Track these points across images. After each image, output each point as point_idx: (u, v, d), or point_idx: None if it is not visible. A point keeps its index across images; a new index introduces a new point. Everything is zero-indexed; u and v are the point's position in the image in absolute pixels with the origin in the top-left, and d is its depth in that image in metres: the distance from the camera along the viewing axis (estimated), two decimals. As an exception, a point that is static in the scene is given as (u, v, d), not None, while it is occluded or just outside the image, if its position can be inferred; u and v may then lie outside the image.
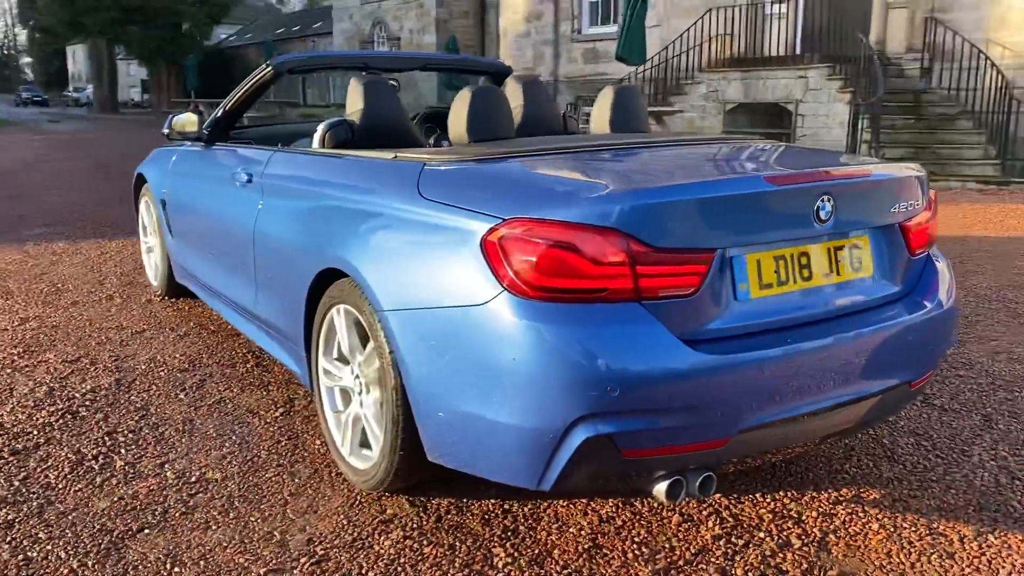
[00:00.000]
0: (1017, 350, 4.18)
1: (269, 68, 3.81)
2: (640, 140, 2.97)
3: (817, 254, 2.32)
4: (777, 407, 2.17)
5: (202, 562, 2.34)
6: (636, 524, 2.52)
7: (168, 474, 2.85)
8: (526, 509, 2.60)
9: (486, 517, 2.56)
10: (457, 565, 2.31)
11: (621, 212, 2.02)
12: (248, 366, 3.89)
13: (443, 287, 2.23)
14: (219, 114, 4.07)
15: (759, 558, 2.34)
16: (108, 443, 3.09)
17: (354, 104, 3.42)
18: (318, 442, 3.10)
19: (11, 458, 2.97)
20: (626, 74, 15.51)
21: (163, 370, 3.85)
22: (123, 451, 3.03)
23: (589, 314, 2.02)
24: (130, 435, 3.16)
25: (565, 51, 19.91)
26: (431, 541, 2.43)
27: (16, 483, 2.79)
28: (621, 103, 3.38)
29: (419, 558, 2.35)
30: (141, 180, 5.06)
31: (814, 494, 2.70)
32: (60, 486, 2.77)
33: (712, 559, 2.34)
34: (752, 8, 14.78)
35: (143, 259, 5.31)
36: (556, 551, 2.38)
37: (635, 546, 2.40)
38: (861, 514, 2.58)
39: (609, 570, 2.29)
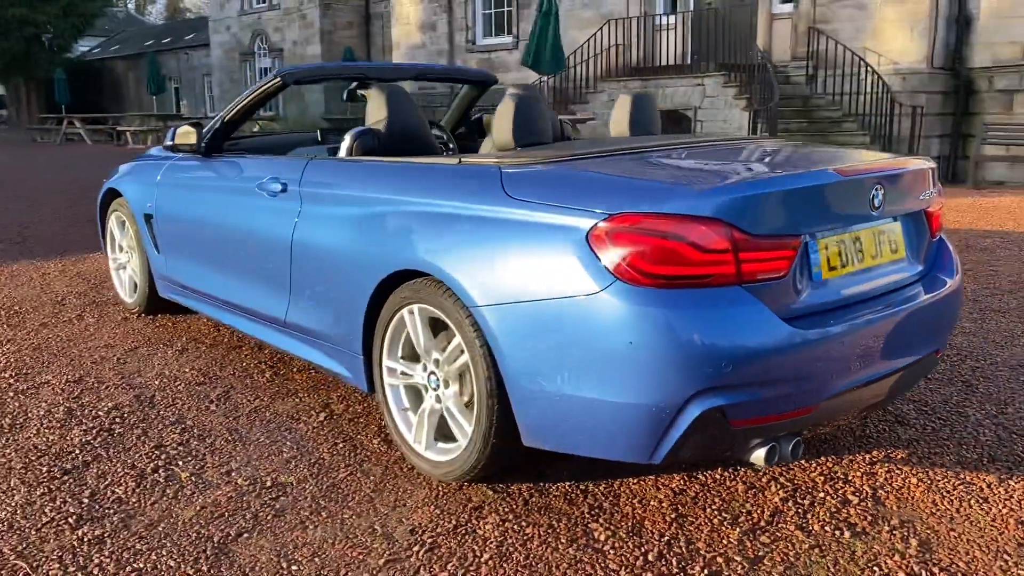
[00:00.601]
0: (966, 324, 4.65)
1: (278, 79, 3.85)
2: (688, 141, 3.21)
3: (867, 238, 2.61)
4: (852, 375, 2.43)
5: (316, 559, 2.40)
6: (707, 494, 2.73)
7: (239, 481, 2.87)
8: (601, 488, 2.78)
9: (568, 497, 2.72)
10: (563, 541, 2.46)
11: (723, 204, 2.24)
12: (266, 376, 3.90)
13: (544, 280, 2.38)
14: (218, 125, 4.06)
15: (827, 514, 2.60)
16: (162, 456, 3.07)
17: (377, 113, 3.52)
18: (375, 442, 3.17)
19: (65, 477, 2.92)
20: (531, 83, 15.84)
21: (179, 384, 3.81)
22: (181, 463, 3.02)
23: (700, 298, 2.23)
24: (180, 447, 3.14)
25: (460, 61, 20.11)
26: (529, 522, 2.57)
27: (85, 500, 2.75)
28: (639, 108, 3.61)
29: (525, 538, 2.49)
30: (111, 196, 4.94)
31: (851, 458, 2.99)
32: (133, 500, 2.75)
33: (788, 518, 2.58)
34: (645, 20, 15.42)
35: (112, 277, 5.16)
36: (647, 522, 2.57)
37: (716, 513, 2.62)
38: (897, 471, 2.88)
39: (701, 535, 2.49)
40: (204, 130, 4.06)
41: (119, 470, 2.97)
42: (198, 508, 2.70)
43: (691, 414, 2.23)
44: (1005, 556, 2.37)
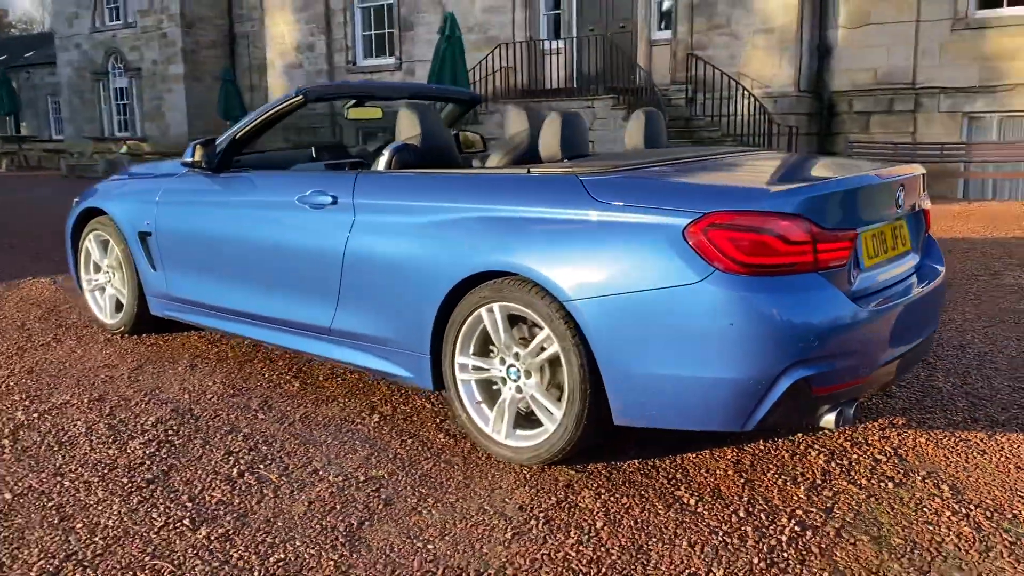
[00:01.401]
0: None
1: (299, 96, 3.97)
2: (718, 152, 3.59)
3: (888, 232, 3.07)
4: (889, 351, 2.87)
5: (445, 537, 2.60)
6: (761, 463, 3.10)
7: (331, 478, 3.01)
8: (667, 464, 3.10)
9: (643, 472, 3.02)
10: (660, 507, 2.76)
11: (803, 202, 2.62)
12: (295, 385, 3.99)
13: (639, 273, 2.69)
14: (228, 142, 4.12)
15: (867, 471, 3.02)
16: (240, 462, 3.15)
17: (410, 129, 3.73)
18: (440, 436, 3.37)
19: (152, 487, 2.96)
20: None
21: (211, 397, 3.84)
22: (262, 466, 3.11)
23: (787, 284, 2.60)
24: (252, 453, 3.23)
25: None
26: (622, 494, 2.86)
27: (188, 504, 2.82)
28: (651, 124, 3.97)
29: (624, 507, 2.77)
30: (88, 216, 4.85)
31: (864, 427, 3.44)
32: (236, 501, 2.84)
33: (836, 476, 2.98)
34: (532, 45, 16.00)
35: (87, 299, 5.03)
36: (722, 487, 2.91)
37: (776, 476, 2.99)
38: (905, 435, 3.35)
39: (773, 494, 2.85)
40: (215, 148, 4.11)
41: (203, 476, 3.03)
42: (306, 504, 2.82)
43: (783, 385, 2.59)
44: (1020, 494, 2.85)
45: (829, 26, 14.06)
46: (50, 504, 2.83)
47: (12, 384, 4.07)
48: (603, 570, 2.41)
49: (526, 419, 3.12)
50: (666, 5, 15.03)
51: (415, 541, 2.58)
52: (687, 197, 2.71)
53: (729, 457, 3.15)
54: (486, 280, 3.06)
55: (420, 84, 5.12)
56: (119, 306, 4.85)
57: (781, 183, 2.75)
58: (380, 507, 2.80)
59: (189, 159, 4.10)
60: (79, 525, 2.69)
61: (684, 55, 14.47)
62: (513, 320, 3.06)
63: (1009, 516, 2.69)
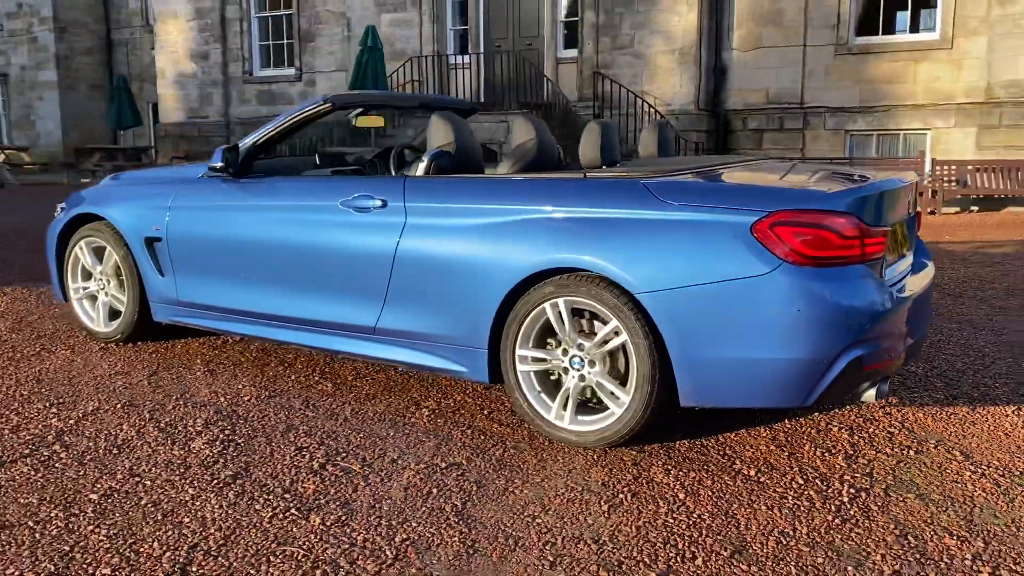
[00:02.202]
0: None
1: (327, 104, 4.08)
2: (746, 159, 3.93)
3: (898, 231, 3.48)
4: (908, 337, 3.27)
5: (548, 512, 2.80)
6: (794, 438, 3.45)
7: (415, 465, 3.15)
8: (712, 441, 3.40)
9: (697, 450, 3.31)
10: (726, 479, 3.06)
11: (852, 202, 2.99)
12: (328, 385, 4.07)
13: (708, 266, 2.99)
14: (249, 148, 4.17)
15: (886, 441, 3.42)
16: (315, 455, 3.24)
17: (444, 137, 3.91)
18: (495, 426, 3.56)
19: (240, 482, 3.02)
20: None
21: (249, 399, 3.88)
22: (339, 459, 3.22)
23: (843, 273, 2.95)
24: (322, 447, 3.32)
25: (237, 92, 19.69)
26: (687, 468, 3.14)
27: (284, 495, 2.91)
28: (661, 136, 4.29)
29: (697, 480, 3.05)
30: (78, 223, 4.75)
31: (866, 404, 3.85)
32: (332, 491, 2.95)
33: (863, 447, 3.37)
34: (439, 59, 16.23)
35: (75, 308, 4.90)
36: (771, 460, 3.23)
37: (813, 448, 3.34)
38: (909, 409, 3.78)
39: (817, 463, 3.20)
40: (238, 153, 4.15)
41: (286, 470, 3.11)
42: (402, 489, 2.96)
43: (841, 363, 2.94)
44: (1017, 454, 3.31)
45: (724, 48, 14.97)
46: (144, 503, 2.86)
47: (27, 392, 3.97)
48: (703, 533, 2.67)
49: (583, 405, 3.35)
50: (572, 25, 15.57)
51: (522, 516, 2.77)
52: (752, 197, 3.03)
53: (765, 435, 3.48)
54: (547, 277, 3.28)
55: (426, 95, 5.28)
56: (113, 314, 4.76)
57: (832, 186, 3.11)
58: (474, 489, 2.96)
59: (218, 164, 4.11)
60: (186, 519, 2.74)
61: (590, 73, 15.05)
62: (577, 312, 3.29)
63: (1017, 473, 3.13)
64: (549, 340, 3.41)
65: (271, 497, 2.90)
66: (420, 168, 3.86)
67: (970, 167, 13.27)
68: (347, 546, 2.58)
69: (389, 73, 15.67)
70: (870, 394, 3.11)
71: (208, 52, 19.89)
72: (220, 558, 2.51)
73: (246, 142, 4.22)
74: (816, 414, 3.71)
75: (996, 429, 3.57)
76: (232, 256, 4.13)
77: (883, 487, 3.01)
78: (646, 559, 2.52)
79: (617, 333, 3.17)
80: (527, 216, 3.36)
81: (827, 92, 14.35)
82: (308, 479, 3.04)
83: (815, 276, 2.91)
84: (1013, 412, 3.77)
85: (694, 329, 3.02)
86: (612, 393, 3.23)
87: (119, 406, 3.78)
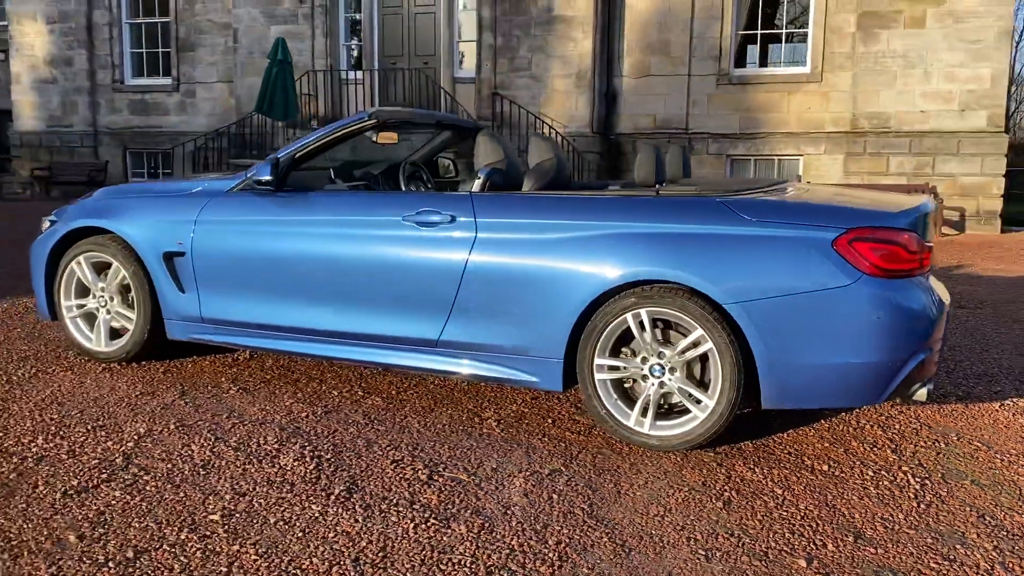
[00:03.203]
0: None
1: (373, 119, 4.09)
2: (778, 182, 4.20)
3: (927, 248, 3.89)
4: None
5: (673, 509, 2.98)
6: (839, 436, 3.78)
7: (519, 473, 3.24)
8: (771, 441, 3.68)
9: (761, 449, 3.57)
10: (806, 474, 3.33)
11: (913, 220, 3.35)
12: (376, 399, 4.06)
13: (792, 279, 3.27)
14: (289, 160, 4.11)
15: (915, 436, 3.81)
16: (417, 467, 3.27)
17: (495, 155, 4.03)
18: (567, 433, 3.68)
19: (359, 496, 3.01)
20: (208, 126, 15.53)
21: (306, 415, 3.82)
22: (441, 470, 3.26)
23: (910, 284, 3.30)
24: (416, 459, 3.35)
25: (106, 101, 18.64)
26: (766, 466, 3.39)
27: (413, 506, 2.94)
28: (684, 158, 4.54)
29: (783, 476, 3.31)
30: (76, 237, 4.50)
31: (874, 405, 4.24)
32: (457, 500, 3.00)
33: (901, 441, 3.73)
34: (332, 74, 16.04)
35: (68, 327, 4.60)
36: (832, 455, 3.54)
37: (860, 445, 3.68)
38: (914, 407, 4.20)
39: (871, 458, 3.53)
40: (280, 166, 4.08)
41: (397, 482, 3.13)
42: (522, 495, 3.05)
43: (911, 365, 3.28)
44: (1027, 443, 3.77)
45: (615, 74, 15.62)
46: (273, 521, 2.81)
47: (57, 416, 3.74)
48: (819, 523, 2.92)
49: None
50: (469, 45, 15.81)
51: (650, 516, 2.93)
52: (829, 215, 3.33)
53: (811, 434, 3.78)
54: (625, 290, 3.46)
55: (440, 113, 5.31)
56: (112, 333, 4.52)
57: (892, 207, 3.45)
58: (590, 493, 3.09)
59: (266, 177, 4.02)
60: (330, 535, 2.72)
61: (489, 93, 15.32)
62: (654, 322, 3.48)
63: (1037, 459, 3.58)
64: (623, 349, 3.57)
65: (401, 509, 2.91)
66: (476, 185, 3.94)
67: (838, 191, 14.46)
68: (507, 551, 2.65)
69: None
70: (922, 393, 3.46)
71: (72, 57, 18.73)
72: (390, 569, 2.52)
73: (283, 154, 4.15)
74: (843, 414, 4.06)
75: (996, 423, 4.03)
76: (275, 271, 4.05)
77: (940, 475, 3.36)
78: (785, 548, 2.73)
79: (698, 343, 3.39)
80: (605, 232, 3.53)
81: (710, 119, 15.25)
82: (425, 490, 3.06)
83: (890, 287, 3.24)
84: (999, 407, 4.25)
85: (779, 337, 3.28)
86: (694, 397, 3.43)
87: (173, 426, 3.63)
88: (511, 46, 15.25)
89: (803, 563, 2.65)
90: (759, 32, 15.88)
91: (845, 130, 14.66)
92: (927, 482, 3.29)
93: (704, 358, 3.43)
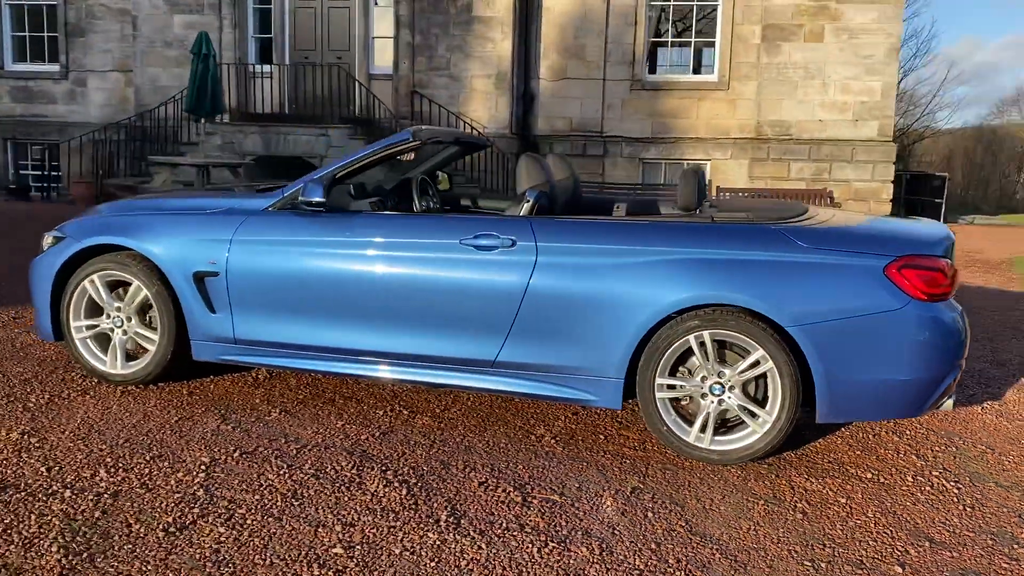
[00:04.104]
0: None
1: (415, 140, 4.11)
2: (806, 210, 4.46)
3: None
4: None
5: (767, 518, 3.18)
6: (866, 446, 4.09)
7: (600, 491, 3.36)
8: (808, 451, 3.94)
9: (801, 459, 3.83)
10: (855, 482, 3.61)
11: (947, 248, 3.68)
12: (426, 418, 4.09)
13: (850, 302, 3.53)
14: (331, 180, 4.07)
15: (925, 441, 4.16)
16: (507, 489, 3.34)
17: (537, 177, 4.13)
18: (626, 450, 3.83)
19: (466, 522, 3.07)
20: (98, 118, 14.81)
21: (364, 437, 3.81)
22: (530, 491, 3.35)
23: (948, 307, 3.62)
24: (499, 480, 3.42)
25: (-15, 87, 17.37)
26: (814, 476, 3.65)
27: (524, 529, 3.02)
28: (701, 179, 4.75)
29: (836, 485, 3.57)
30: (87, 255, 4.29)
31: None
32: (562, 521, 3.11)
33: (919, 448, 4.08)
34: (240, 67, 15.55)
35: (78, 348, 4.37)
36: (868, 463, 3.84)
37: (887, 453, 4.00)
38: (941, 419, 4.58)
39: (907, 464, 3.85)
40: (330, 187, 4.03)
41: (492, 506, 3.20)
42: (619, 513, 3.19)
43: (948, 380, 3.61)
44: (1020, 444, 4.19)
45: (532, 76, 15.85)
46: (398, 551, 2.83)
47: (106, 447, 3.59)
48: (892, 529, 3.20)
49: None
50: (385, 42, 15.65)
51: (743, 530, 3.12)
52: (881, 244, 3.61)
53: (839, 444, 4.08)
54: (685, 312, 3.64)
55: (457, 131, 5.26)
56: (126, 355, 4.35)
57: (928, 235, 3.76)
58: (678, 509, 3.26)
59: (317, 199, 3.95)
60: (462, 562, 2.78)
61: (407, 91, 15.25)
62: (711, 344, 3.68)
63: (1037, 460, 4.00)
64: (679, 368, 3.76)
65: (514, 532, 2.99)
66: (524, 208, 4.03)
67: (743, 194, 15.20)
68: (636, 572, 2.78)
69: (173, 79, 14.84)
70: (948, 404, 3.81)
71: (-57, 40, 17.36)
72: (537, 596, 2.61)
73: (324, 174, 4.10)
74: (858, 422, 4.39)
75: (985, 425, 4.45)
76: (324, 292, 4.00)
77: (967, 479, 3.72)
78: (877, 554, 2.98)
79: (758, 362, 3.60)
80: (667, 257, 3.69)
81: (624, 123, 15.71)
82: (527, 513, 3.15)
83: (934, 310, 3.55)
84: (981, 410, 4.69)
85: (836, 356, 3.53)
86: (751, 413, 3.65)
87: (236, 455, 3.56)
88: (429, 44, 15.22)
89: (899, 569, 2.90)
90: (670, 40, 16.48)
91: (750, 136, 15.41)
92: (960, 485, 3.63)
93: (760, 376, 3.65)
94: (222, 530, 2.92)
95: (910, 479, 3.67)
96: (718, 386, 3.68)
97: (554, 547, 2.91)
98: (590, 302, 3.74)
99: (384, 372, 4.03)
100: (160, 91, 15.74)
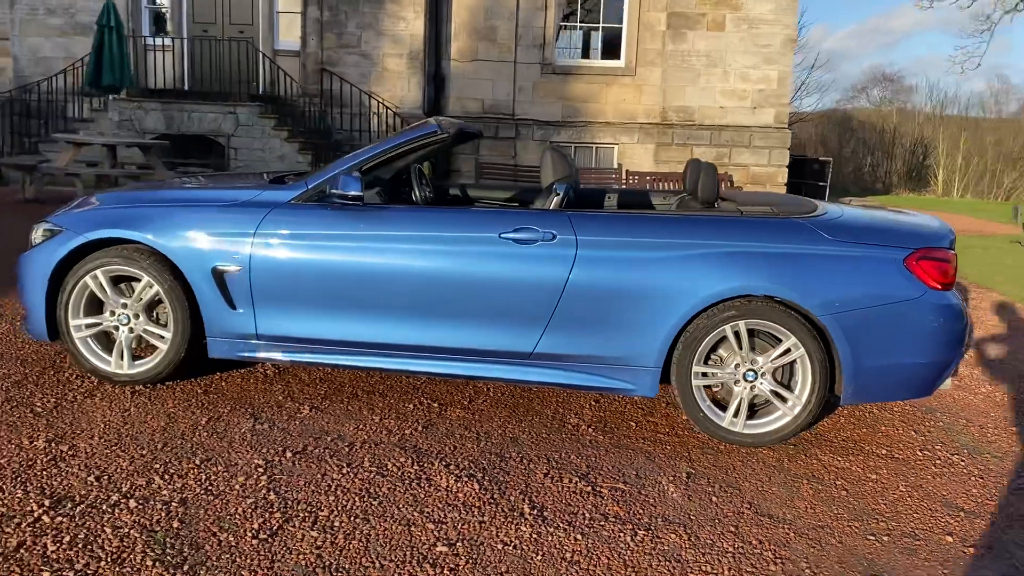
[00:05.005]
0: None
1: (445, 135, 4.08)
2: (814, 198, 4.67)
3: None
4: None
5: (818, 497, 3.39)
6: (874, 430, 4.38)
7: (659, 479, 3.49)
8: (820, 431, 4.20)
9: (821, 440, 4.09)
10: (876, 461, 3.89)
11: (952, 241, 3.98)
12: (458, 411, 4.09)
13: (874, 292, 3.78)
14: (360, 171, 4.00)
15: (912, 416, 4.51)
16: (573, 480, 3.41)
17: (563, 170, 4.20)
18: (662, 435, 3.97)
19: (550, 515, 3.13)
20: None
21: (411, 434, 3.79)
22: (594, 479, 3.43)
23: (953, 295, 3.93)
24: (560, 471, 3.49)
25: None
26: (842, 455, 3.90)
27: (611, 519, 3.12)
28: (709, 172, 4.91)
29: (861, 463, 3.83)
30: (87, 250, 4.04)
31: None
32: (639, 509, 3.22)
33: (921, 428, 4.41)
34: (133, 40, 14.71)
35: (79, 347, 4.10)
36: (879, 440, 4.13)
37: (893, 430, 4.31)
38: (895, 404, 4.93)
39: (911, 440, 4.16)
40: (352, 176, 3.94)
41: (571, 498, 3.28)
42: (686, 498, 3.32)
43: (956, 361, 3.92)
44: (1000, 423, 4.59)
45: (443, 57, 15.73)
46: (501, 546, 2.87)
47: (148, 452, 3.43)
48: (925, 503, 3.48)
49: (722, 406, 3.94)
50: (290, 17, 15.16)
51: (803, 508, 3.32)
52: (899, 237, 3.87)
53: (846, 423, 4.36)
54: (723, 302, 3.81)
55: (459, 121, 5.12)
56: (135, 354, 4.14)
57: (933, 227, 4.05)
58: (737, 491, 3.43)
59: (354, 192, 3.85)
60: (567, 554, 2.85)
61: (316, 68, 14.84)
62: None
63: (999, 428, 4.40)
64: (711, 356, 3.92)
65: (603, 523, 3.08)
66: (554, 201, 4.09)
67: (649, 177, 15.65)
68: (732, 556, 2.92)
69: (69, 51, 13.94)
70: (948, 383, 4.13)
71: None
72: (650, 583, 2.71)
73: (349, 165, 4.01)
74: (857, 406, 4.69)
75: (954, 399, 4.85)
76: (358, 287, 3.92)
77: (966, 451, 4.06)
78: (922, 528, 3.24)
79: (789, 349, 3.81)
80: (702, 250, 3.83)
81: (535, 106, 15.85)
82: (603, 503, 3.24)
83: (947, 298, 3.85)
84: (946, 387, 5.09)
85: (860, 343, 3.78)
86: (782, 398, 3.86)
87: (288, 455, 3.47)
88: (339, 20, 14.85)
89: (949, 538, 3.17)
90: (579, 25, 16.69)
91: (656, 122, 15.87)
92: (966, 459, 3.96)
93: (790, 363, 3.86)
94: (314, 534, 2.87)
95: (919, 453, 3.98)
96: (751, 373, 3.87)
97: (643, 535, 3.01)
98: (631, 294, 3.84)
99: (419, 365, 4.01)
100: (42, 62, 14.72)
